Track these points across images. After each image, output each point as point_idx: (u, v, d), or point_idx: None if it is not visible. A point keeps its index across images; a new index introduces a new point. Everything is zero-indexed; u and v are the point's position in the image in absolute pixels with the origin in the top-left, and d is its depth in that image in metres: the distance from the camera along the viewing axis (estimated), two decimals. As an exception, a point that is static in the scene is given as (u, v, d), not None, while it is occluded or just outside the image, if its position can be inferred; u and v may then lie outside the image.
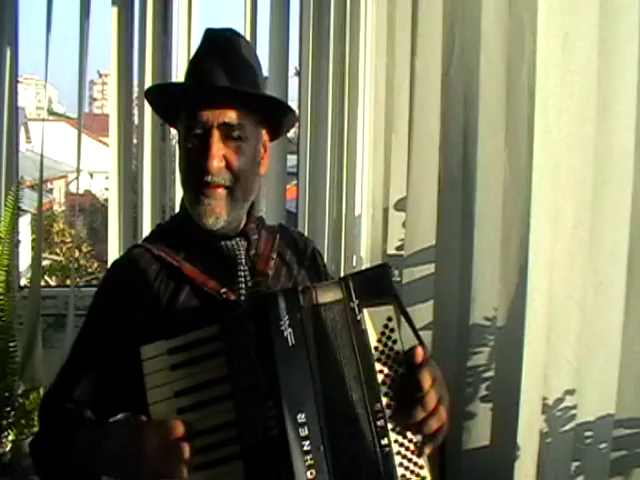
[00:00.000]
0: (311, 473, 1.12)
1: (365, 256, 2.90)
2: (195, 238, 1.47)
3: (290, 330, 1.16)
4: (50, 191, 16.66)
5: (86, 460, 1.26)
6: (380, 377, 1.22)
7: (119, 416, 1.42)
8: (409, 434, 1.22)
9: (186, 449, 1.14)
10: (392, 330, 1.24)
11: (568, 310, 1.89)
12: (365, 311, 1.23)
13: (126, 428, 1.26)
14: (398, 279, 2.46)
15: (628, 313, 1.79)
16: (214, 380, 1.20)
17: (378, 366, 1.23)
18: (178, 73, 2.90)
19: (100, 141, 19.02)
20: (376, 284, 1.25)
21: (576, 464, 1.90)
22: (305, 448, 1.12)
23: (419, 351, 1.24)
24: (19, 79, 2.94)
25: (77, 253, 9.73)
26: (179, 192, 2.87)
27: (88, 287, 4.96)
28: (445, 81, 2.25)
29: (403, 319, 1.29)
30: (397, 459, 1.20)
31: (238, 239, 1.48)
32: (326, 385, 1.17)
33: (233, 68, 1.44)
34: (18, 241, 2.91)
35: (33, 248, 3.04)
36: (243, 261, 1.47)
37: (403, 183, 2.56)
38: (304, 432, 1.13)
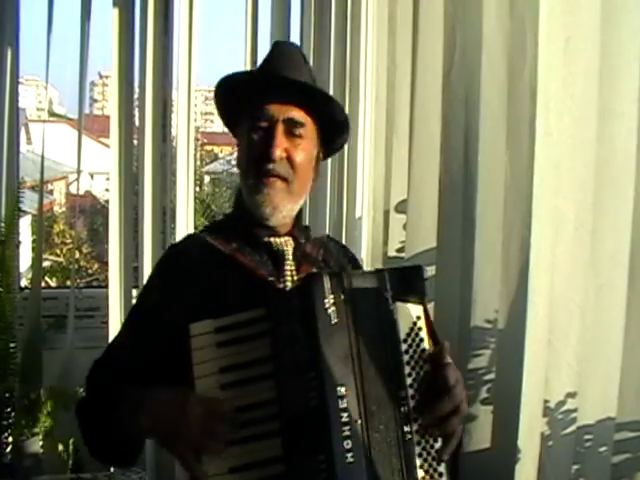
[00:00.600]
0: (347, 444, 1.17)
1: (366, 258, 2.89)
2: (246, 234, 1.53)
3: (333, 309, 1.21)
4: (51, 192, 16.64)
5: (129, 421, 1.30)
6: (406, 369, 1.27)
7: None
8: (431, 440, 1.26)
9: (226, 426, 1.19)
10: (420, 329, 1.30)
11: (569, 313, 1.89)
12: (397, 304, 1.28)
13: (172, 394, 1.28)
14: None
15: (629, 316, 1.79)
16: (257, 359, 1.24)
17: (405, 357, 1.27)
18: (179, 74, 2.90)
19: (101, 142, 19.03)
20: (410, 282, 1.32)
21: (576, 467, 1.90)
22: (343, 419, 1.17)
23: (446, 347, 1.30)
24: (20, 80, 2.94)
25: (77, 254, 9.72)
26: (180, 194, 2.88)
27: (89, 288, 4.96)
28: (446, 82, 2.25)
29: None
30: (418, 461, 1.24)
31: (286, 238, 1.54)
32: (361, 365, 1.22)
33: (301, 71, 1.52)
34: (19, 242, 2.91)
35: (34, 249, 3.04)
36: (290, 257, 1.53)
37: (404, 185, 2.56)
38: (343, 404, 1.18)
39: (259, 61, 2.90)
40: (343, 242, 2.76)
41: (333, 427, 1.16)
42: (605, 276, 1.85)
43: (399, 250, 2.68)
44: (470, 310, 2.05)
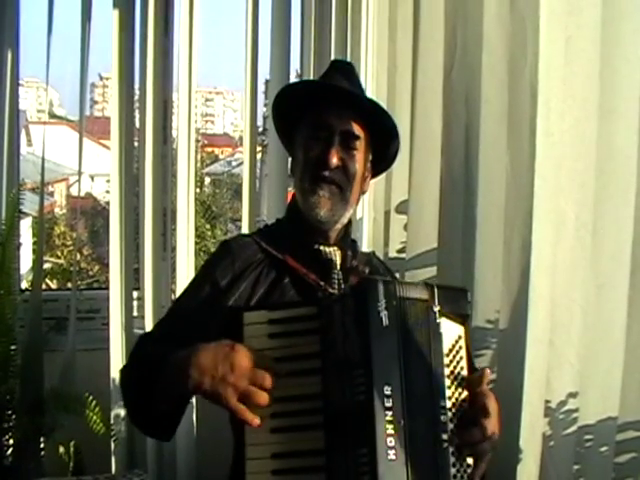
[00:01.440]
0: (390, 441, 1.19)
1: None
2: (295, 240, 1.60)
3: (385, 312, 1.26)
4: (51, 194, 16.64)
5: (176, 375, 1.29)
6: (446, 381, 1.31)
7: None
8: (467, 458, 1.30)
9: (271, 376, 1.22)
10: (460, 347, 1.36)
11: (570, 312, 1.89)
12: (442, 319, 1.34)
13: (217, 344, 1.28)
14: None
15: (631, 315, 1.79)
16: (306, 354, 1.28)
17: (446, 371, 1.32)
18: (179, 76, 2.90)
19: (101, 144, 19.01)
20: (456, 302, 1.38)
21: (578, 467, 1.90)
22: (388, 418, 1.20)
23: (487, 374, 1.35)
24: (20, 82, 2.94)
25: (78, 256, 9.72)
26: (180, 195, 2.87)
27: (89, 290, 4.96)
28: (447, 83, 2.25)
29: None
30: (452, 470, 1.27)
31: (335, 248, 1.60)
32: (407, 369, 1.25)
33: (358, 87, 1.63)
34: (19, 244, 2.90)
35: (34, 251, 3.04)
36: (338, 266, 1.59)
37: (405, 186, 2.56)
38: (389, 403, 1.21)
39: (260, 63, 2.93)
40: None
41: (378, 423, 1.19)
42: (606, 276, 1.85)
43: (400, 251, 2.68)
44: (471, 310, 2.04)
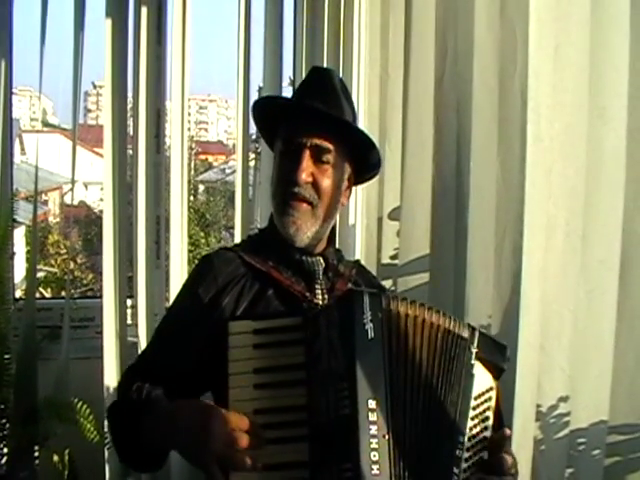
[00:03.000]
0: (374, 455, 1.19)
1: (360, 265, 2.90)
2: (278, 251, 1.58)
3: (371, 325, 1.26)
4: (45, 202, 16.61)
5: (157, 435, 1.33)
6: (469, 423, 1.30)
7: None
8: None
9: (252, 442, 1.19)
10: (489, 399, 1.34)
11: (561, 317, 1.90)
12: (477, 363, 1.33)
13: (197, 410, 1.29)
14: (393, 288, 2.47)
15: (620, 320, 1.81)
16: (291, 365, 1.27)
17: (471, 413, 1.31)
18: (172, 83, 2.90)
19: (95, 152, 19.01)
20: (494, 353, 1.38)
21: (570, 470, 1.91)
22: (372, 432, 1.19)
23: (508, 434, 1.34)
24: (13, 90, 2.94)
25: (72, 264, 9.72)
26: (174, 203, 2.88)
27: (83, 299, 4.95)
28: (438, 89, 2.26)
29: None
30: None
31: (318, 258, 1.59)
32: (395, 383, 1.25)
33: (331, 100, 1.58)
34: (13, 253, 2.90)
35: (28, 260, 3.02)
36: (321, 276, 1.57)
37: (397, 192, 2.57)
38: (373, 417, 1.20)
39: (252, 70, 2.94)
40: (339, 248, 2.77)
41: (362, 437, 1.18)
42: (596, 281, 1.87)
43: (392, 257, 2.69)
44: (463, 316, 2.05)
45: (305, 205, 1.53)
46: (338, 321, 1.27)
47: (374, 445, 1.18)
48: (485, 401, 1.33)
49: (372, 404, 1.21)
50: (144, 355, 1.60)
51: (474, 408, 1.31)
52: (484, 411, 1.32)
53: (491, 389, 1.35)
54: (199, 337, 1.47)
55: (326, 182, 1.54)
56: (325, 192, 1.54)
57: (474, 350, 1.33)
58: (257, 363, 1.27)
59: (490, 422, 1.33)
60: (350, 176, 1.63)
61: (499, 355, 1.38)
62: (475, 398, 1.31)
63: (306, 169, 1.51)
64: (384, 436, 1.20)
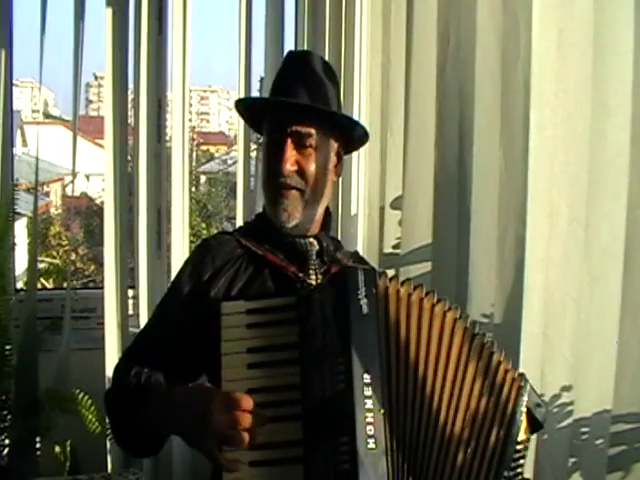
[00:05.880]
0: (370, 429, 1.19)
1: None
2: (272, 234, 1.61)
3: (365, 300, 1.27)
4: (46, 194, 16.60)
5: (155, 419, 1.35)
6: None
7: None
8: None
9: (250, 420, 1.20)
10: (526, 449, 1.34)
11: (564, 306, 1.90)
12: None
13: (195, 393, 1.32)
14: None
15: (624, 309, 1.80)
16: (284, 345, 1.27)
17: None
18: (173, 75, 2.89)
19: (96, 143, 18.95)
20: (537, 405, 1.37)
21: (573, 460, 1.90)
22: (367, 406, 1.20)
23: None
24: (14, 82, 2.93)
25: (74, 256, 9.73)
26: (175, 194, 2.87)
27: (85, 290, 4.95)
28: (440, 77, 2.25)
29: None
30: None
31: (311, 239, 1.62)
32: (392, 359, 1.26)
33: (311, 84, 1.61)
34: (14, 244, 2.90)
35: (29, 251, 3.02)
36: (314, 257, 1.60)
37: (399, 181, 2.56)
38: (368, 391, 1.21)
39: (253, 61, 2.92)
40: (339, 239, 2.77)
41: (357, 411, 1.19)
42: (599, 269, 1.86)
43: (395, 246, 2.68)
44: (466, 305, 2.05)
45: (294, 192, 1.56)
46: (332, 298, 1.28)
47: (370, 419, 1.19)
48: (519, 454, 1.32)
49: (367, 378, 1.21)
50: (141, 336, 1.61)
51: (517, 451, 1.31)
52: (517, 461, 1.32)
53: (527, 441, 1.35)
54: (195, 318, 1.49)
55: (312, 167, 1.57)
56: (311, 176, 1.57)
57: (525, 399, 1.33)
58: (251, 343, 1.28)
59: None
60: (338, 150, 1.66)
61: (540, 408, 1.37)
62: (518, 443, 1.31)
63: (289, 158, 1.54)
64: (380, 410, 1.21)
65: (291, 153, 1.55)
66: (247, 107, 1.75)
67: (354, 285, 1.27)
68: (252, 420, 1.19)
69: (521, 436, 1.31)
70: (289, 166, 1.54)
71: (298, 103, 1.56)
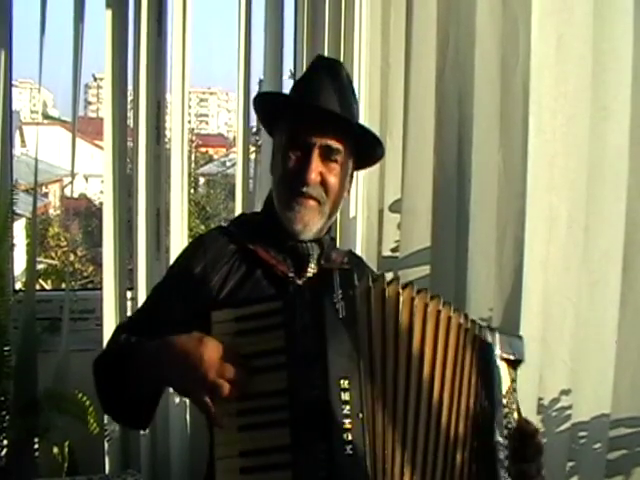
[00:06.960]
0: (347, 436, 1.19)
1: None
2: (273, 235, 1.58)
3: (342, 303, 1.25)
4: (45, 195, 16.61)
5: (147, 368, 1.35)
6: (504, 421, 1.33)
7: None
8: None
9: (239, 370, 1.22)
10: (515, 390, 1.36)
11: (563, 310, 1.90)
12: (501, 363, 1.35)
13: (188, 338, 1.31)
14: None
15: (623, 312, 1.80)
16: (272, 350, 1.26)
17: (504, 410, 1.33)
18: (173, 76, 2.89)
19: (95, 145, 18.97)
20: (515, 348, 1.39)
21: (572, 464, 1.90)
22: (345, 412, 1.19)
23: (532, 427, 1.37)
24: (14, 83, 2.93)
25: (72, 257, 9.71)
26: (174, 195, 2.87)
27: (83, 291, 4.94)
28: (440, 81, 2.25)
29: None
30: None
31: (312, 243, 1.59)
32: (374, 363, 1.25)
33: (343, 96, 1.56)
34: (13, 245, 2.90)
35: (28, 252, 3.02)
36: (314, 261, 1.58)
37: (398, 185, 2.56)
38: (345, 397, 1.20)
39: (253, 63, 2.92)
40: (337, 242, 2.77)
41: (333, 418, 1.19)
42: (598, 273, 1.86)
43: (394, 249, 2.68)
44: (465, 308, 2.05)
45: (312, 202, 1.53)
46: (309, 301, 1.27)
47: (347, 425, 1.18)
48: (510, 395, 1.34)
49: (344, 384, 1.20)
50: (134, 316, 1.63)
51: (505, 405, 1.33)
52: (510, 405, 1.34)
53: (513, 381, 1.36)
54: (186, 308, 1.48)
55: (334, 180, 1.54)
56: (333, 190, 1.54)
57: (497, 352, 1.34)
58: (241, 350, 1.27)
59: (516, 410, 1.35)
60: (353, 166, 1.63)
61: (520, 349, 1.39)
62: (504, 396, 1.33)
63: (316, 169, 1.51)
64: (357, 415, 1.20)
65: (317, 164, 1.51)
66: (273, 102, 1.67)
67: (330, 288, 1.26)
68: (236, 373, 1.22)
69: (507, 382, 1.34)
70: (314, 176, 1.51)
71: (338, 115, 1.52)
